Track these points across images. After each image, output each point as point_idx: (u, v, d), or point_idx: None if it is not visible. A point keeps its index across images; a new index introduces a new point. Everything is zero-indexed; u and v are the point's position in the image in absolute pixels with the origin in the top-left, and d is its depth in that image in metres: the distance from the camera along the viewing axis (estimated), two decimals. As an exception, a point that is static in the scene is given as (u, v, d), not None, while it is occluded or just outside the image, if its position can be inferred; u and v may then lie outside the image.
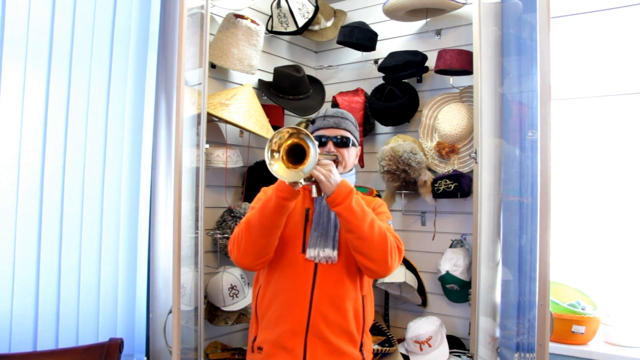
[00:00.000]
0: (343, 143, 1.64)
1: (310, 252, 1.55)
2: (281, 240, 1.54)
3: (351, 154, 1.67)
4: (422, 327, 2.21)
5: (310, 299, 1.53)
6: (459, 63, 2.23)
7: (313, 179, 1.44)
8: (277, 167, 1.35)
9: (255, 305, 1.64)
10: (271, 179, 2.33)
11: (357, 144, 1.71)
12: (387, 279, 2.27)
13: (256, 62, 2.34)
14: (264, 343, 1.57)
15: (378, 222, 1.50)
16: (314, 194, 1.49)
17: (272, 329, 1.56)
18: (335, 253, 1.55)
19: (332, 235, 1.56)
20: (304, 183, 1.42)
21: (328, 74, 2.85)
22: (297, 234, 1.59)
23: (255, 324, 1.64)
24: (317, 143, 1.35)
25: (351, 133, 1.67)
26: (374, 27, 2.54)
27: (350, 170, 1.70)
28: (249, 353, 1.63)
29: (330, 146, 1.63)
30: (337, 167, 1.62)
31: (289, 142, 1.36)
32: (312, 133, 1.68)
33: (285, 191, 1.44)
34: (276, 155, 1.35)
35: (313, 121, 1.70)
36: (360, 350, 1.59)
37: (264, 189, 1.69)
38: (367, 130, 2.61)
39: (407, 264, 2.41)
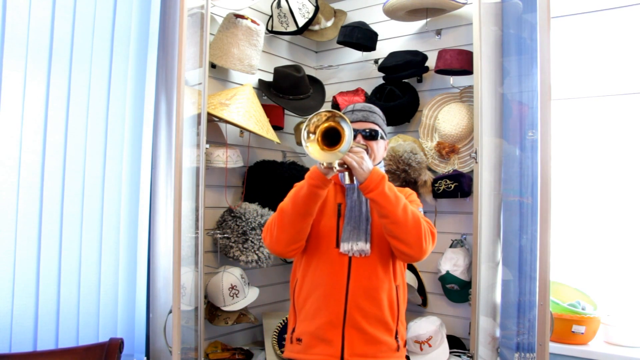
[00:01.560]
0: (372, 136, 1.67)
1: (344, 246, 1.59)
2: (315, 235, 1.60)
3: (380, 147, 1.70)
4: (422, 327, 2.21)
5: (346, 291, 1.58)
6: (459, 63, 2.23)
7: (346, 165, 1.47)
8: (313, 149, 1.38)
9: (293, 298, 1.69)
10: (272, 179, 2.35)
11: (385, 137, 1.74)
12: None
13: (256, 62, 2.34)
14: (302, 335, 1.63)
15: (411, 207, 1.53)
16: (347, 181, 1.50)
17: (310, 321, 1.61)
18: (368, 246, 1.59)
19: (364, 228, 1.60)
20: (337, 169, 1.44)
21: (328, 74, 2.85)
22: (330, 229, 1.63)
23: (293, 316, 1.69)
24: (352, 127, 1.37)
25: (379, 126, 1.70)
26: (374, 27, 2.54)
27: (379, 162, 1.73)
28: (288, 344, 1.68)
29: (359, 139, 1.66)
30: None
31: (326, 125, 1.38)
32: None
33: (317, 179, 1.48)
34: (312, 136, 1.37)
35: None
36: (396, 337, 1.64)
37: (296, 184, 1.73)
38: (367, 130, 2.61)
39: (407, 264, 2.41)
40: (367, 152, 1.65)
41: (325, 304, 1.59)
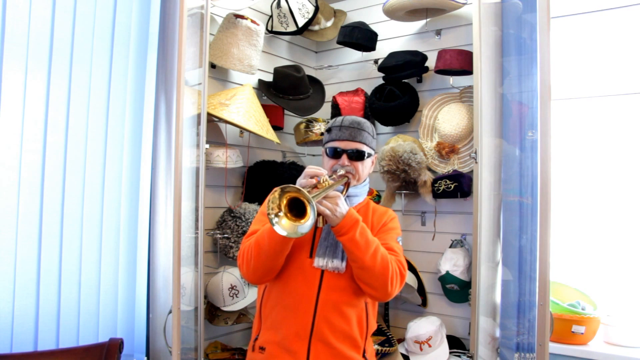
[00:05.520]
0: (357, 156, 1.65)
1: (319, 262, 1.57)
2: None
3: (366, 166, 1.68)
4: (422, 327, 2.21)
5: (316, 303, 1.55)
6: (459, 63, 2.23)
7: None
8: (286, 223, 1.34)
9: (260, 304, 1.66)
10: (272, 179, 2.35)
11: (372, 153, 1.71)
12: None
13: (256, 62, 2.34)
14: (267, 344, 1.59)
15: (381, 250, 1.51)
16: (319, 223, 1.51)
17: (276, 330, 1.58)
18: (344, 264, 1.57)
19: (341, 247, 1.57)
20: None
21: (328, 74, 2.85)
22: (304, 239, 1.60)
23: (258, 322, 1.66)
24: (313, 201, 1.30)
25: (367, 144, 1.66)
26: (374, 27, 2.54)
27: (364, 180, 1.72)
28: (250, 352, 1.65)
29: (344, 159, 1.64)
30: (351, 181, 1.64)
31: (284, 200, 1.34)
32: (327, 142, 1.69)
33: None
34: (280, 214, 1.34)
35: (329, 130, 1.69)
36: (364, 355, 1.61)
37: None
38: (367, 130, 2.61)
39: (407, 264, 2.41)
40: (352, 173, 1.63)
41: (294, 314, 1.56)
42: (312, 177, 1.48)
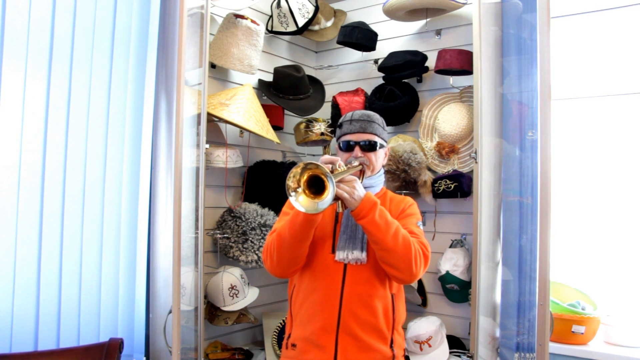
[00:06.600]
0: (370, 147, 1.68)
1: (340, 255, 1.60)
2: (312, 240, 1.59)
3: (379, 157, 1.71)
4: (422, 327, 2.21)
5: (340, 297, 1.58)
6: (459, 63, 2.23)
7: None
8: (303, 200, 1.37)
9: (290, 303, 1.70)
10: (272, 179, 2.35)
11: (385, 144, 1.74)
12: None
13: (256, 62, 2.34)
14: (297, 340, 1.63)
15: (402, 231, 1.52)
16: (339, 208, 1.53)
17: (304, 326, 1.62)
18: (364, 255, 1.59)
19: (360, 237, 1.60)
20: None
21: (328, 74, 2.85)
22: (326, 235, 1.64)
23: (290, 321, 1.70)
24: (332, 177, 1.34)
25: (378, 135, 1.70)
26: (374, 27, 2.54)
27: (379, 170, 1.74)
28: (284, 349, 1.69)
29: (357, 151, 1.67)
30: (365, 170, 1.67)
31: (305, 176, 1.38)
32: (339, 137, 1.72)
33: None
34: (299, 190, 1.37)
35: (340, 125, 1.73)
36: (391, 346, 1.63)
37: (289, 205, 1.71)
38: (367, 130, 2.61)
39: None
40: (365, 164, 1.67)
41: (320, 309, 1.59)
42: (327, 164, 1.49)
